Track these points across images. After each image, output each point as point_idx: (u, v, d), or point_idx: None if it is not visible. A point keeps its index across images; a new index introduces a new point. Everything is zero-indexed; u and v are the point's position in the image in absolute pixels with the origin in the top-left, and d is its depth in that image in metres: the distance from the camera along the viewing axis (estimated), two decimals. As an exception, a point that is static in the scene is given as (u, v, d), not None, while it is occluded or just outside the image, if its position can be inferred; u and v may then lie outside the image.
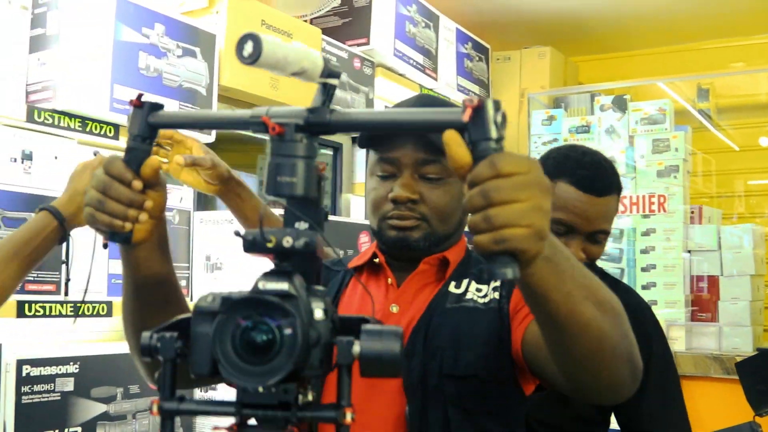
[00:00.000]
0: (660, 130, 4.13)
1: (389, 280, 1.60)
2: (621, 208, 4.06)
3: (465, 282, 1.56)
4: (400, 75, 3.91)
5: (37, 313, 2.23)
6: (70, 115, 2.36)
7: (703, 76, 4.90)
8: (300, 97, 3.08)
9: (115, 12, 2.42)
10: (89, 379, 2.28)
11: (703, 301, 4.11)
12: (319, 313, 0.90)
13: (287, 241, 0.92)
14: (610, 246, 4.16)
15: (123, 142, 2.44)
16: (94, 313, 2.36)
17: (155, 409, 0.91)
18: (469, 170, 0.94)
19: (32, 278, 2.22)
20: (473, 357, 1.45)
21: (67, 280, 2.32)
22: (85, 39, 2.35)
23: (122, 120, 2.44)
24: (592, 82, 5.26)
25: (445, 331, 1.49)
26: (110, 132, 2.45)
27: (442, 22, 4.22)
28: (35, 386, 2.15)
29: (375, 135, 1.57)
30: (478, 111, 0.93)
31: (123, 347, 2.43)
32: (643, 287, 4.07)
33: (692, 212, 4.19)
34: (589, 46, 5.29)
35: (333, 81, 1.03)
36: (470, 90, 4.51)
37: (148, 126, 1.16)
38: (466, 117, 0.94)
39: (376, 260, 1.62)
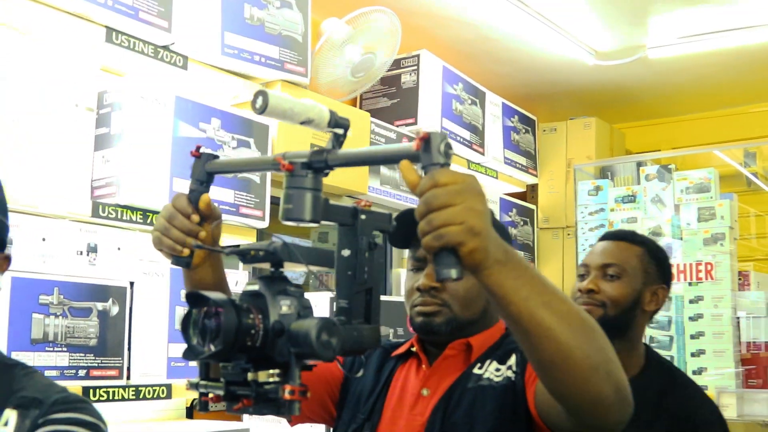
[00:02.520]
0: (705, 198, 4.18)
1: (423, 366, 1.74)
2: (668, 276, 4.12)
3: (487, 363, 1.68)
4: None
5: (101, 398, 2.36)
6: (133, 209, 2.52)
7: (750, 144, 4.94)
8: (342, 179, 3.23)
9: (174, 110, 2.59)
10: (150, 460, 2.41)
11: (755, 368, 4.11)
12: (284, 309, 1.16)
13: (255, 251, 1.21)
14: (658, 314, 4.19)
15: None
16: (155, 396, 2.49)
17: (187, 385, 1.22)
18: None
19: (96, 365, 2.36)
20: None
21: (129, 364, 2.45)
22: (146, 136, 2.51)
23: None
24: (638, 148, 5.34)
25: (461, 410, 1.62)
26: (169, 223, 2.59)
27: (488, 98, 4.35)
28: (100, 468, 2.27)
29: (406, 236, 1.69)
30: (426, 142, 1.12)
31: (182, 428, 2.57)
32: (692, 354, 4.09)
33: (740, 279, 4.21)
34: (634, 114, 5.39)
35: (339, 130, 1.27)
36: (519, 163, 4.61)
37: (205, 172, 1.47)
38: (415, 147, 1.13)
39: (413, 349, 1.79)
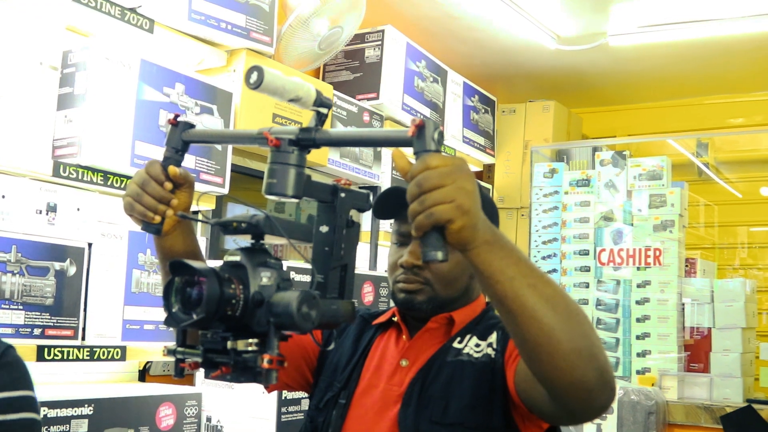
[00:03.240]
0: (657, 185, 4.27)
1: (404, 336, 1.77)
2: (618, 260, 4.22)
3: (468, 337, 1.71)
4: (407, 127, 4.05)
5: (55, 357, 2.37)
6: (93, 170, 2.51)
7: (703, 134, 5.07)
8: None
9: (139, 72, 2.59)
10: (102, 421, 2.42)
11: (696, 352, 4.23)
12: (265, 280, 1.19)
13: (237, 223, 1.24)
14: (606, 296, 4.29)
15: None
16: (109, 357, 2.50)
17: (164, 351, 1.24)
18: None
19: (52, 324, 2.36)
20: (460, 406, 1.60)
21: (84, 325, 2.46)
22: (110, 98, 2.50)
23: (142, 175, 2.59)
24: (594, 133, 5.43)
25: (439, 383, 1.65)
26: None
27: (450, 76, 4.38)
28: (51, 427, 2.29)
29: (392, 210, 1.74)
30: (420, 129, 1.18)
31: (135, 390, 2.59)
32: (638, 337, 4.20)
33: (687, 265, 4.31)
34: (592, 99, 5.46)
35: (323, 110, 1.31)
36: (477, 142, 4.66)
37: (181, 140, 1.50)
38: (410, 133, 1.19)
39: (394, 319, 1.82)
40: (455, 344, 1.71)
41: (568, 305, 1.27)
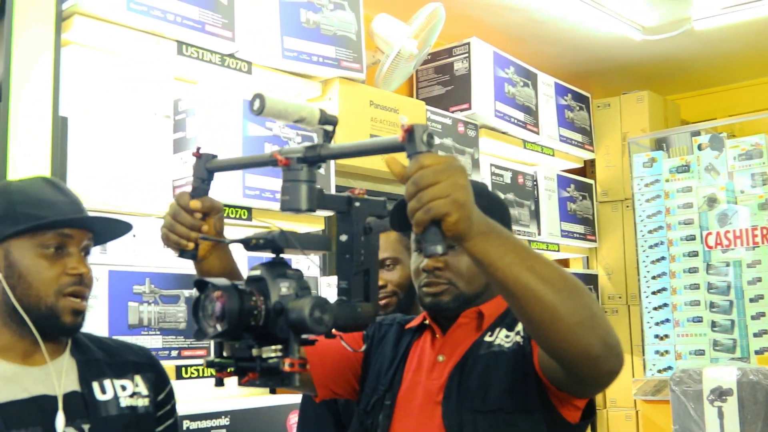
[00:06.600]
0: (758, 164, 4.27)
1: (437, 335, 1.86)
2: (726, 242, 4.24)
3: (497, 330, 1.80)
4: (503, 133, 4.21)
5: (192, 375, 2.61)
6: (210, 204, 2.75)
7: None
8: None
9: (242, 112, 2.82)
10: (239, 430, 2.65)
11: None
12: (284, 290, 1.31)
13: (256, 240, 1.36)
14: (717, 279, 4.31)
15: (255, 222, 2.83)
16: (240, 372, 2.73)
17: (205, 363, 1.36)
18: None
19: (186, 345, 2.61)
20: (498, 393, 1.70)
21: (216, 345, 2.70)
22: (219, 137, 2.74)
23: (255, 204, 2.83)
24: (694, 118, 5.43)
25: (476, 374, 1.74)
26: (244, 215, 2.83)
27: (540, 79, 4.51)
28: (194, 438, 2.54)
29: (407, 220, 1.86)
30: (410, 133, 1.26)
31: (268, 401, 2.81)
32: (753, 317, 4.20)
33: (797, 240, 4.30)
34: (686, 85, 5.48)
35: (328, 127, 1.42)
36: (574, 139, 4.77)
37: (206, 170, 1.63)
38: (401, 138, 1.27)
39: (426, 322, 1.90)
40: (486, 338, 1.79)
41: (566, 281, 1.38)
